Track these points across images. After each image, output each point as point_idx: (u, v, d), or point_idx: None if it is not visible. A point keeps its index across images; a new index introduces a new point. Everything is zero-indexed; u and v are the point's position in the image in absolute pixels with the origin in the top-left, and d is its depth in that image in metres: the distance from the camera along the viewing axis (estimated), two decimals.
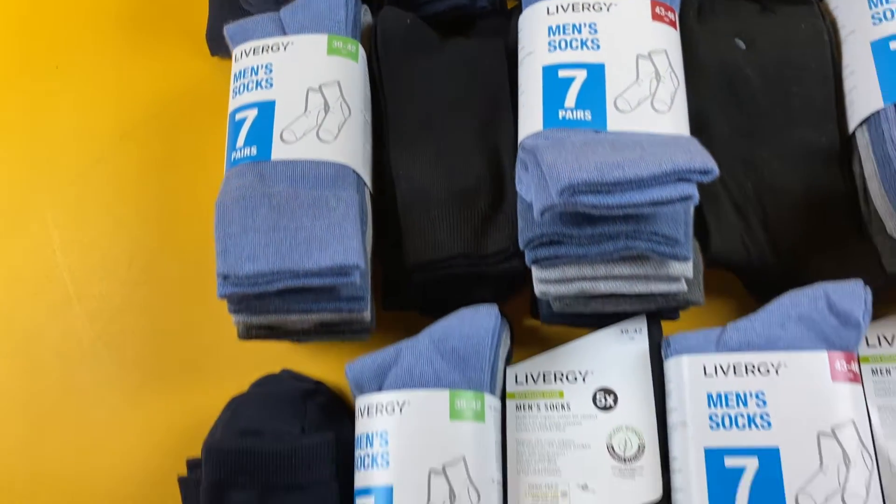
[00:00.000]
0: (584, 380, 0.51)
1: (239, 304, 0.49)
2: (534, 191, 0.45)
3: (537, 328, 0.57)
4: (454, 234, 0.52)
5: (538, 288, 0.48)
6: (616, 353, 0.51)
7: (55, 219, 0.65)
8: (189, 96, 0.67)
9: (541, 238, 0.46)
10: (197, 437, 0.54)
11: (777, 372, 0.46)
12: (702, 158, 0.43)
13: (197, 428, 0.55)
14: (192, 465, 0.54)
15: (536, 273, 0.48)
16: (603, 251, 0.45)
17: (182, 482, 0.53)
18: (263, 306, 0.49)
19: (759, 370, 0.46)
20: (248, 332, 0.53)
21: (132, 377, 0.60)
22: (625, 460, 0.48)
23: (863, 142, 0.51)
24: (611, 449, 0.49)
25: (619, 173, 0.42)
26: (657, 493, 0.47)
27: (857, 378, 0.46)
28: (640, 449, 0.48)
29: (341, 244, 0.47)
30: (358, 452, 0.49)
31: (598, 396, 0.50)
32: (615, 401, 0.50)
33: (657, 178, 0.42)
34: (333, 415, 0.54)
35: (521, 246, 0.47)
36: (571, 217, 0.45)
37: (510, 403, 0.51)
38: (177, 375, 0.60)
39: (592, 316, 0.52)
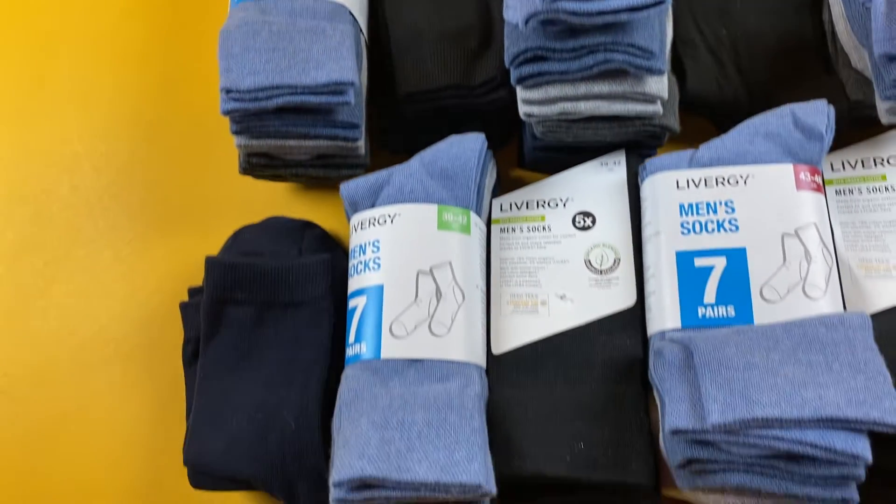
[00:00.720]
0: (564, 205, 0.54)
1: (240, 123, 0.52)
2: (519, 5, 0.48)
3: (523, 178, 0.60)
4: (444, 66, 0.55)
5: (522, 109, 0.51)
6: (596, 182, 0.54)
7: (69, 88, 0.68)
8: None
9: (525, 53, 0.49)
10: (197, 280, 0.57)
11: (745, 183, 0.49)
12: None
13: (198, 269, 0.58)
14: (194, 291, 0.57)
15: (521, 94, 0.51)
16: (583, 65, 0.48)
17: (183, 307, 0.56)
18: (263, 128, 0.52)
19: (728, 182, 0.49)
20: (248, 162, 0.55)
21: (137, 225, 0.63)
22: (601, 272, 0.51)
23: None
24: (588, 263, 0.52)
25: None
26: (632, 299, 0.50)
27: (820, 189, 0.49)
28: (616, 262, 0.51)
29: (336, 63, 0.50)
30: (351, 262, 0.52)
31: (577, 218, 0.53)
32: (593, 222, 0.53)
33: None
34: (328, 244, 0.57)
35: (507, 63, 0.50)
36: (554, 32, 0.48)
37: (495, 228, 0.54)
38: (179, 223, 0.63)
39: (574, 157, 0.55)
